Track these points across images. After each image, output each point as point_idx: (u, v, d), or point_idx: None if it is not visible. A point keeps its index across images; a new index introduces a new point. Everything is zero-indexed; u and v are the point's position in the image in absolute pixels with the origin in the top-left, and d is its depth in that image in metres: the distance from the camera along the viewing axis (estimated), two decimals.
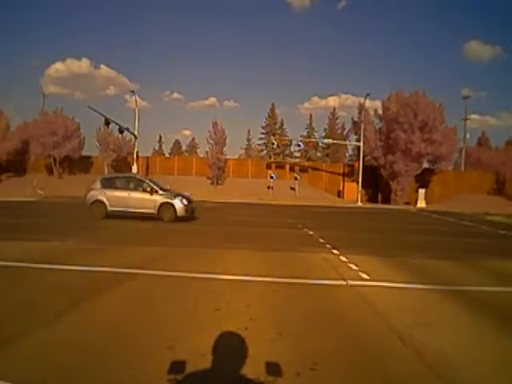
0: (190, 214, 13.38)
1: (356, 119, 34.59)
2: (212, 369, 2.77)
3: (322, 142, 50.92)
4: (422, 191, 30.42)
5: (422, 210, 26.51)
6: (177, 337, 3.30)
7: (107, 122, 29.73)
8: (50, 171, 36.73)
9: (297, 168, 35.72)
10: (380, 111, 33.20)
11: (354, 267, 6.44)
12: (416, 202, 30.00)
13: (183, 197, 13.46)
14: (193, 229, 11.67)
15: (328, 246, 8.70)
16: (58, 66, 73.77)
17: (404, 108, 30.15)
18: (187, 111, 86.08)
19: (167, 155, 62.70)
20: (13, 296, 4.39)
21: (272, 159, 48.04)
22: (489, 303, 4.77)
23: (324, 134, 58.63)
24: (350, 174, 35.43)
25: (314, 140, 46.51)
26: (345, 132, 55.92)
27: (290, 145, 46.05)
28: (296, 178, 33.18)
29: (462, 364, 3.01)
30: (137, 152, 33.57)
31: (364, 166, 31.67)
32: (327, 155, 57.62)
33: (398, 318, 4.00)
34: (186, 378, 2.60)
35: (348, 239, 10.18)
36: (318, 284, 5.38)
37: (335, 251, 7.95)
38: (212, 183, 35.10)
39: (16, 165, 36.76)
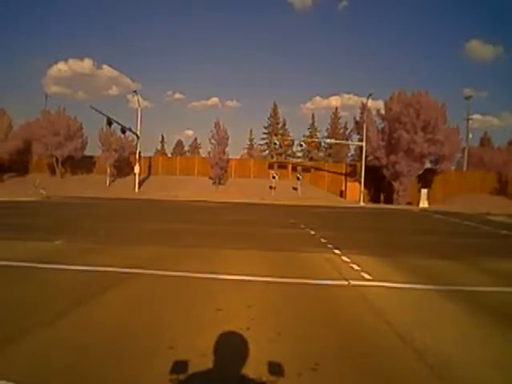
0: None
1: (358, 119, 34.56)
2: (214, 369, 2.77)
3: (325, 142, 50.68)
4: (424, 191, 30.38)
5: (424, 210, 26.44)
6: (178, 337, 3.31)
7: (109, 122, 29.88)
8: (53, 171, 36.86)
9: (299, 168, 35.70)
10: (382, 111, 33.13)
11: (356, 267, 6.43)
12: (418, 202, 29.96)
13: None
14: (195, 229, 11.68)
15: (330, 246, 8.69)
16: (61, 65, 74.30)
17: (406, 108, 30.08)
18: (189, 111, 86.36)
19: (169, 155, 62.77)
20: (14, 296, 4.40)
21: (274, 159, 47.94)
22: (490, 303, 4.76)
23: (326, 133, 58.64)
24: (352, 174, 35.39)
25: (316, 140, 46.32)
26: (347, 132, 55.84)
27: (293, 145, 45.93)
28: (298, 178, 33.18)
29: (462, 364, 3.01)
30: (139, 152, 33.73)
31: (366, 166, 31.63)
32: (329, 155, 57.55)
33: (399, 318, 4.00)
34: (187, 377, 2.60)
35: (350, 239, 10.16)
36: (320, 284, 5.37)
37: (337, 251, 7.94)
38: (214, 183, 35.12)
39: (18, 165, 36.94)
